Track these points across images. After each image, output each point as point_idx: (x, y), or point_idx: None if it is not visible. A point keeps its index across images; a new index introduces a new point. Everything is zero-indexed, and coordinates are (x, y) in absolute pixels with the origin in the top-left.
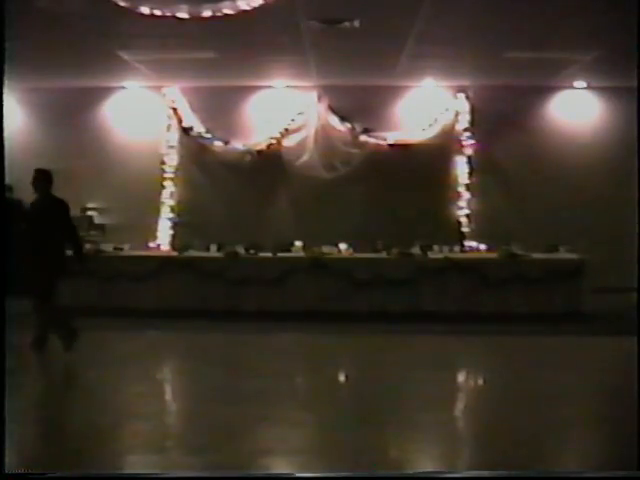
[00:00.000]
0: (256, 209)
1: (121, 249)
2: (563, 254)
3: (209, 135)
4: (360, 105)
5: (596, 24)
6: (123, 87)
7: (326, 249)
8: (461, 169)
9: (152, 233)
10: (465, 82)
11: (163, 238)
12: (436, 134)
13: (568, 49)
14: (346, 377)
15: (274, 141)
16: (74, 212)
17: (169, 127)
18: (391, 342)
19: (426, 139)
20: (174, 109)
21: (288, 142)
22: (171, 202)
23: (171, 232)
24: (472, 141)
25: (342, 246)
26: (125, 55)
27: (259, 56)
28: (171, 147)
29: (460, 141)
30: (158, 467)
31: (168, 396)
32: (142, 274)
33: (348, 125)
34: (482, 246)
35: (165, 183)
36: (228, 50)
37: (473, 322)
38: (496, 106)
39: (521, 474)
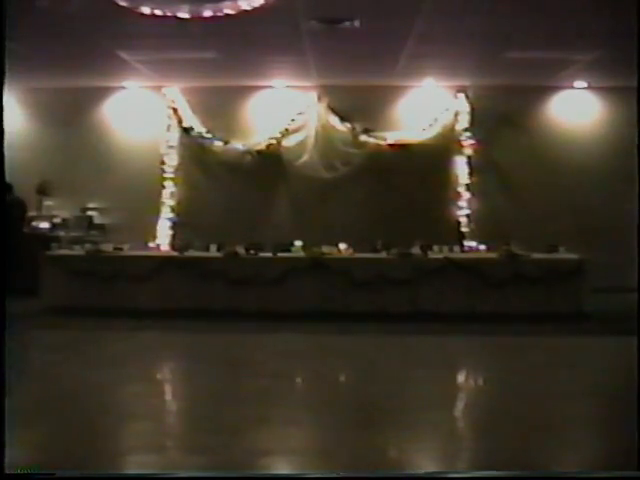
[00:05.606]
0: (256, 209)
1: (121, 249)
2: (563, 254)
3: (209, 135)
4: (360, 105)
5: (596, 24)
6: (123, 87)
7: (326, 249)
8: (461, 169)
9: (152, 233)
10: (465, 82)
11: (163, 238)
12: (436, 134)
13: (568, 49)
14: (346, 377)
15: (274, 141)
16: (74, 212)
17: (169, 127)
18: (391, 342)
19: (426, 139)
20: (174, 109)
21: (288, 142)
22: (171, 202)
23: (171, 232)
24: (472, 141)
25: (342, 246)
26: (125, 55)
27: (259, 56)
28: (171, 147)
29: (460, 141)
30: (158, 467)
31: (168, 396)
32: (142, 274)
33: (348, 125)
34: (482, 246)
35: (165, 183)
36: (228, 50)
37: (473, 322)
38: (496, 106)
39: (521, 474)
